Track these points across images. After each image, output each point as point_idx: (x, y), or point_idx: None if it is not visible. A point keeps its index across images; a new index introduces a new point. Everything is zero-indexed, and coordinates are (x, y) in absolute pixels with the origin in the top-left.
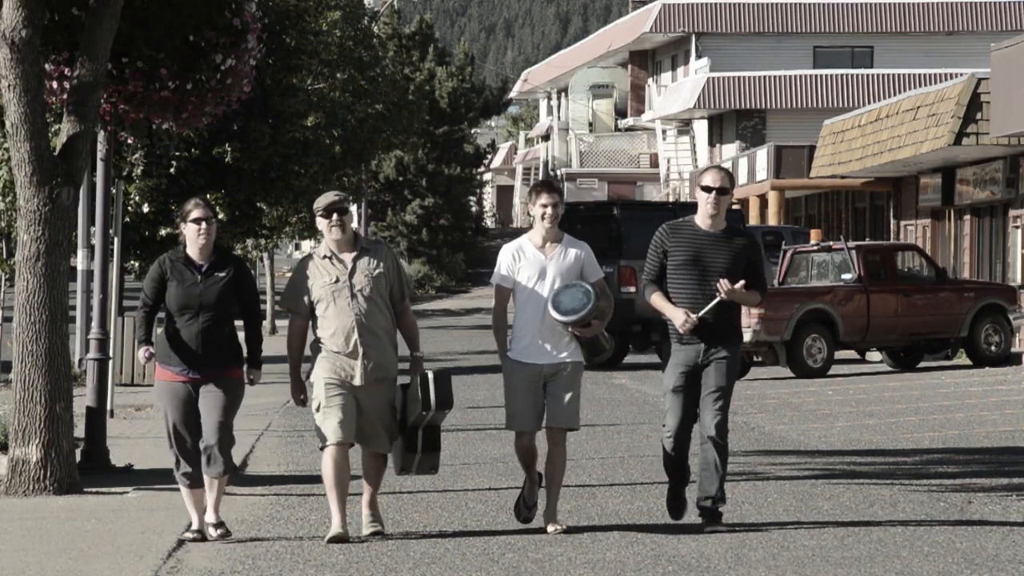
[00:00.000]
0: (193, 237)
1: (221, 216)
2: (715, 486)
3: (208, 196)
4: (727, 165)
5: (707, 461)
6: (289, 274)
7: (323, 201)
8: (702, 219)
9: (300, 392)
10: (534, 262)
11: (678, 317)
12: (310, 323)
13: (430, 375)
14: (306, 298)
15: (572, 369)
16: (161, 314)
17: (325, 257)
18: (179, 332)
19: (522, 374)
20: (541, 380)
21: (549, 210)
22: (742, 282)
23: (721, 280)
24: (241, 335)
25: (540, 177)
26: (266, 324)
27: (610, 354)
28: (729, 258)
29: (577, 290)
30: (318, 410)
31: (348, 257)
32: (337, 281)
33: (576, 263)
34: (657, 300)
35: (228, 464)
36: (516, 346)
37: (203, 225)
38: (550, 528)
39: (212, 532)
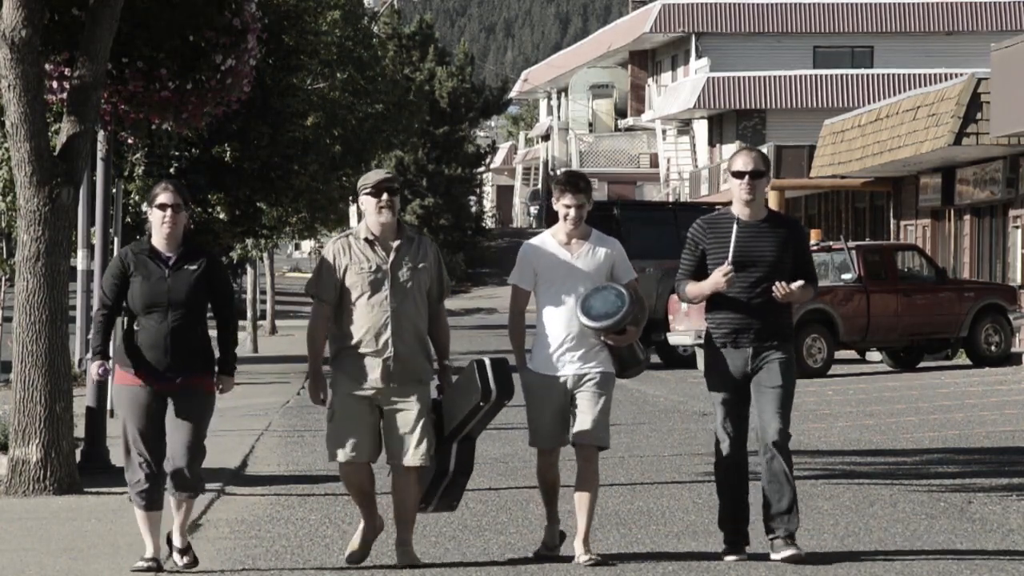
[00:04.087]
0: (157, 225)
1: (221, 215)
2: (787, 499)
3: (209, 196)
4: (727, 165)
5: (773, 472)
6: (290, 274)
7: (373, 177)
8: (739, 208)
9: (321, 390)
10: (559, 261)
11: (717, 278)
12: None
13: (487, 360)
14: (336, 285)
15: (602, 379)
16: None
17: (366, 240)
18: (144, 333)
19: (546, 388)
20: (567, 393)
21: (572, 212)
22: (800, 283)
23: (777, 283)
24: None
25: (540, 178)
26: (265, 324)
27: (645, 366)
28: (775, 249)
29: (609, 292)
30: (331, 420)
31: (393, 244)
32: (377, 269)
33: (606, 262)
34: (692, 288)
35: (198, 485)
36: (539, 355)
37: (168, 212)
38: (583, 558)
39: (178, 559)
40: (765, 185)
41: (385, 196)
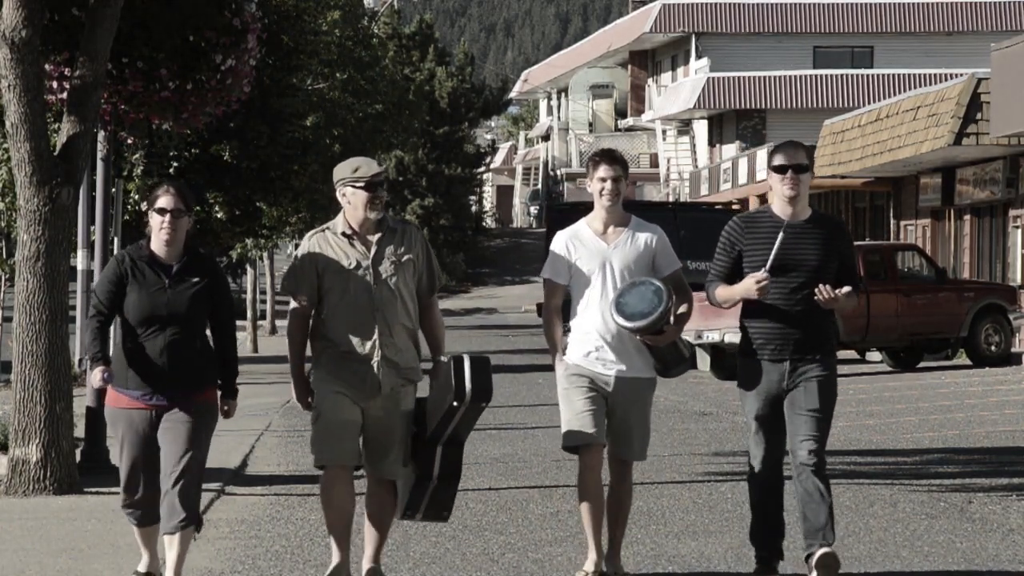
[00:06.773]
0: (156, 230)
1: (220, 215)
2: (823, 515)
3: (208, 195)
4: (727, 165)
5: (807, 491)
6: None
7: (366, 169)
8: (780, 207)
9: (306, 394)
10: (594, 252)
11: (750, 284)
12: (314, 314)
13: (466, 358)
14: (314, 283)
15: (642, 387)
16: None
17: (344, 235)
18: (139, 348)
19: (583, 384)
20: (606, 393)
21: (609, 184)
22: (847, 289)
23: (820, 286)
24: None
25: (540, 177)
26: (265, 324)
27: (688, 365)
28: (820, 253)
29: (646, 288)
30: (315, 421)
31: (372, 238)
32: (357, 266)
33: (646, 252)
34: (722, 291)
35: (192, 515)
36: (575, 352)
37: (167, 218)
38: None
39: None
40: (809, 180)
41: (377, 190)
